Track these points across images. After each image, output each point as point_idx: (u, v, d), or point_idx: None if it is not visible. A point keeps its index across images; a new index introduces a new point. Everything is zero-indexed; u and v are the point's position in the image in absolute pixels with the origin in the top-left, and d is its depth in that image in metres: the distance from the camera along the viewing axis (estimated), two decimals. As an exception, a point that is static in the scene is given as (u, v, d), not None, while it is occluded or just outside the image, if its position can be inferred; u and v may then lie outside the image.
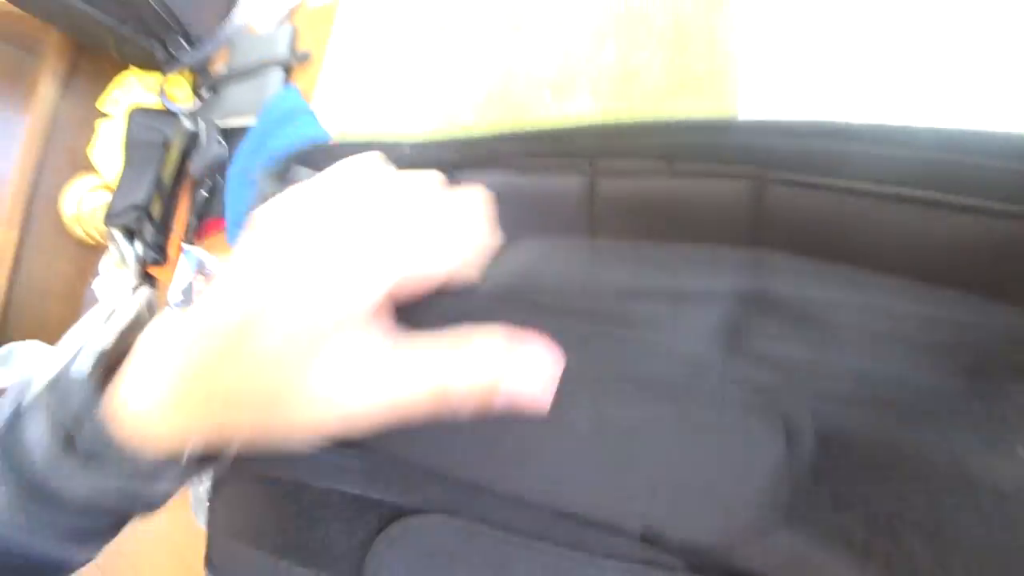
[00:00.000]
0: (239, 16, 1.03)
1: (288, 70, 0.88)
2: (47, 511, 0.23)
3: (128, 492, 0.23)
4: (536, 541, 0.20)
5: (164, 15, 1.03)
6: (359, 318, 0.19)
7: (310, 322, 0.19)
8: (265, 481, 0.25)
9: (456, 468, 0.21)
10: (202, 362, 0.20)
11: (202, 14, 1.05)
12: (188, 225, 0.89)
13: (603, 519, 0.20)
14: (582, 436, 0.20)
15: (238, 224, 0.72)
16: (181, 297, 0.80)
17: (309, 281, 0.19)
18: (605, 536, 0.20)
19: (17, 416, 0.23)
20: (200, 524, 0.83)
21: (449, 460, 0.21)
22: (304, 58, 0.87)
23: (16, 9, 1.06)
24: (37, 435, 0.22)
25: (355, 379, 0.19)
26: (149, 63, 1.13)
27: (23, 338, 1.06)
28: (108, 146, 1.08)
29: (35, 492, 0.22)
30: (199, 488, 0.80)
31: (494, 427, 0.20)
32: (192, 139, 0.89)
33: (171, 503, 0.27)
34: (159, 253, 0.93)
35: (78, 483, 0.22)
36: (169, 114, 1.00)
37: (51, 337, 1.09)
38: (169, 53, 1.07)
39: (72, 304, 1.26)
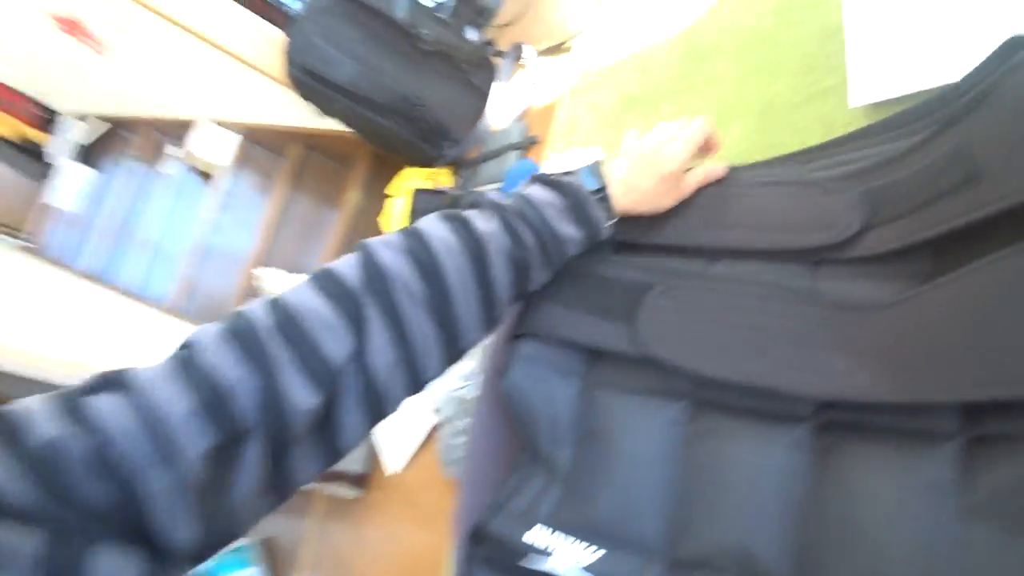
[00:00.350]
0: (486, 120, 1.47)
1: (523, 150, 1.25)
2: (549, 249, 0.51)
3: (586, 240, 0.53)
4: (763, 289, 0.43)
5: (437, 127, 1.52)
6: (684, 161, 0.55)
7: (673, 158, 0.55)
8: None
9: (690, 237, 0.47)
10: (633, 171, 0.56)
11: (461, 123, 1.52)
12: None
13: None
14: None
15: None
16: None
17: (668, 146, 0.56)
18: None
19: (523, 191, 0.54)
20: (448, 475, 1.07)
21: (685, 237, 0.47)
22: (534, 141, 1.24)
23: (338, 132, 1.62)
24: (547, 198, 0.52)
25: (684, 182, 0.56)
26: (423, 160, 1.63)
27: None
28: (394, 217, 1.55)
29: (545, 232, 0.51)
30: (451, 441, 1.06)
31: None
32: (456, 202, 1.29)
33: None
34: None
35: (570, 228, 0.52)
36: (440, 192, 1.44)
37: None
38: (438, 152, 1.55)
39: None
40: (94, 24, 1.82)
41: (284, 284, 1.67)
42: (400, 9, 1.49)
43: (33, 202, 2.78)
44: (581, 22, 1.26)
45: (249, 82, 1.71)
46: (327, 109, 1.53)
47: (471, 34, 2.03)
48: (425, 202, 1.44)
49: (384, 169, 1.85)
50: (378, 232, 1.67)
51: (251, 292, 1.82)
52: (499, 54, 1.61)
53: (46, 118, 2.89)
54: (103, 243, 2.41)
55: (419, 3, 1.51)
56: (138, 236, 2.35)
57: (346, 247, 1.82)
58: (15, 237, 2.76)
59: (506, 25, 1.78)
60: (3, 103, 2.75)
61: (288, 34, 1.43)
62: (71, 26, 1.88)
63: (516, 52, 1.51)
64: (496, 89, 1.50)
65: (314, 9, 1.43)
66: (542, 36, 1.50)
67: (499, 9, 1.95)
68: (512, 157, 1.24)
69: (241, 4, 1.64)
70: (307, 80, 1.45)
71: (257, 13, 1.65)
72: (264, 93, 1.73)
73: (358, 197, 1.85)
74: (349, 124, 1.57)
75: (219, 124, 2.23)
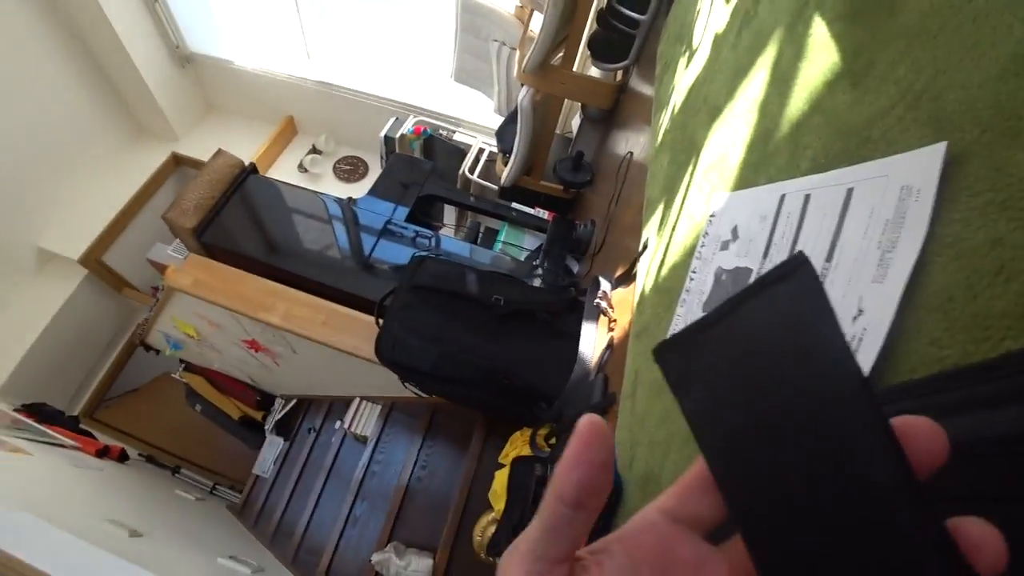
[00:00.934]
0: (581, 367, 1.34)
1: (603, 410, 1.06)
2: None
3: None
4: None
5: (526, 389, 1.43)
6: None
7: None
8: None
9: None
10: None
11: (552, 378, 1.41)
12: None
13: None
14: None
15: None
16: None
17: None
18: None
19: None
20: None
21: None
22: (612, 400, 1.05)
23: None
24: None
25: None
26: (526, 422, 1.53)
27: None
28: (498, 489, 1.41)
29: None
30: None
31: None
32: (543, 481, 1.11)
33: None
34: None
35: None
36: (533, 459, 1.28)
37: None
38: (535, 413, 1.44)
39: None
40: (266, 344, 2.32)
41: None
42: (472, 284, 1.55)
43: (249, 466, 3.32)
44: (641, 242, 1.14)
45: (368, 370, 1.88)
46: (425, 389, 1.56)
47: (573, 267, 2.06)
48: (521, 476, 1.28)
49: (499, 427, 1.80)
50: (487, 501, 1.59)
51: None
52: (582, 291, 1.55)
53: (260, 399, 3.61)
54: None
55: (492, 272, 1.57)
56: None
57: (472, 508, 1.77)
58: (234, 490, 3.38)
59: (599, 250, 1.76)
60: (235, 392, 3.51)
61: (378, 336, 1.55)
62: (255, 345, 2.42)
63: (596, 287, 1.42)
64: (586, 333, 1.39)
65: (396, 307, 1.55)
66: (620, 263, 1.40)
67: (592, 236, 1.97)
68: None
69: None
70: (400, 371, 1.53)
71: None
72: (381, 376, 1.87)
73: (478, 448, 1.78)
74: (446, 397, 1.57)
75: (367, 399, 2.48)
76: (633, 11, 1.82)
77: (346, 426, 2.49)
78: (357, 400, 2.53)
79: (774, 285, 0.17)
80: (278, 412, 3.34)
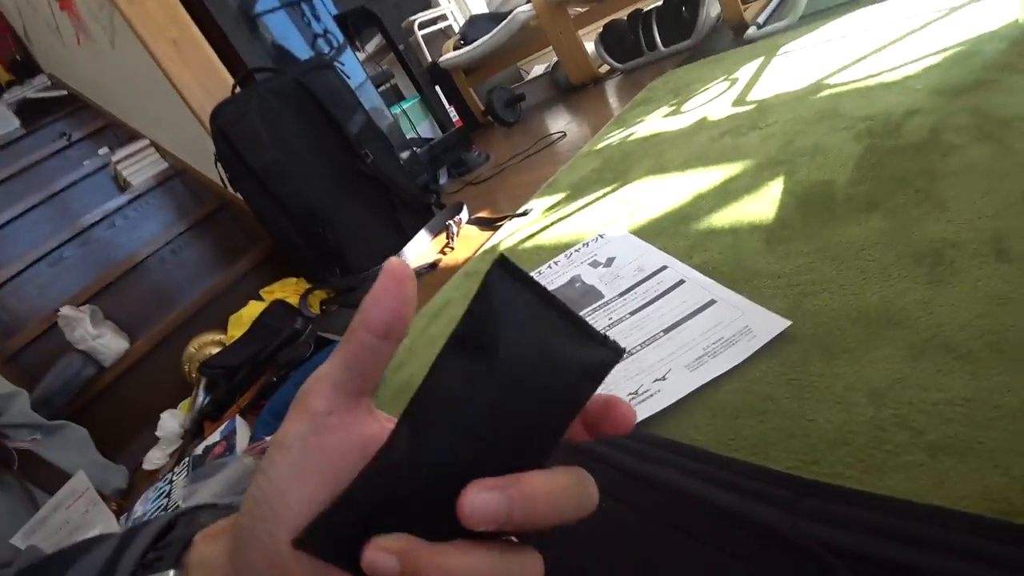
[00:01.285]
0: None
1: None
2: None
3: None
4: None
5: (335, 251, 1.37)
6: None
7: None
8: None
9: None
10: None
11: (359, 257, 1.38)
12: (250, 400, 1.02)
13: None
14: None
15: (272, 415, 0.81)
16: (200, 452, 0.88)
17: None
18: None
19: None
20: None
21: None
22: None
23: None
24: None
25: None
26: (309, 276, 1.46)
27: (88, 424, 1.20)
28: (244, 318, 1.34)
29: None
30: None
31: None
32: (295, 336, 1.08)
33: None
34: (217, 411, 1.05)
35: None
36: (297, 312, 1.24)
37: (103, 436, 1.23)
38: (325, 275, 1.39)
39: (141, 421, 1.42)
40: (83, 11, 1.80)
41: (86, 334, 1.37)
42: (355, 125, 1.42)
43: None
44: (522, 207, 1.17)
45: (184, 121, 1.59)
46: (233, 182, 1.38)
47: (441, 178, 2.03)
48: (274, 316, 1.23)
49: (278, 263, 1.69)
50: (225, 320, 1.50)
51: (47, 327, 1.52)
52: (440, 205, 1.54)
53: (20, 61, 2.81)
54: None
55: (376, 127, 1.45)
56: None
57: (203, 311, 1.63)
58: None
59: (477, 183, 1.76)
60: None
61: (226, 100, 1.33)
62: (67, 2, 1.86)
63: (455, 210, 1.42)
64: (420, 238, 1.38)
65: (266, 89, 1.35)
66: (487, 207, 1.42)
67: (478, 167, 1.97)
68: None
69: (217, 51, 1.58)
70: (223, 146, 1.33)
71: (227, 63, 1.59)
72: (195, 137, 1.60)
73: (244, 268, 1.65)
74: (249, 205, 1.42)
75: (158, 149, 2.10)
76: (663, 36, 1.86)
77: (114, 159, 2.07)
78: (145, 142, 2.12)
79: (593, 344, 0.19)
80: (34, 90, 2.62)
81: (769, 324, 0.50)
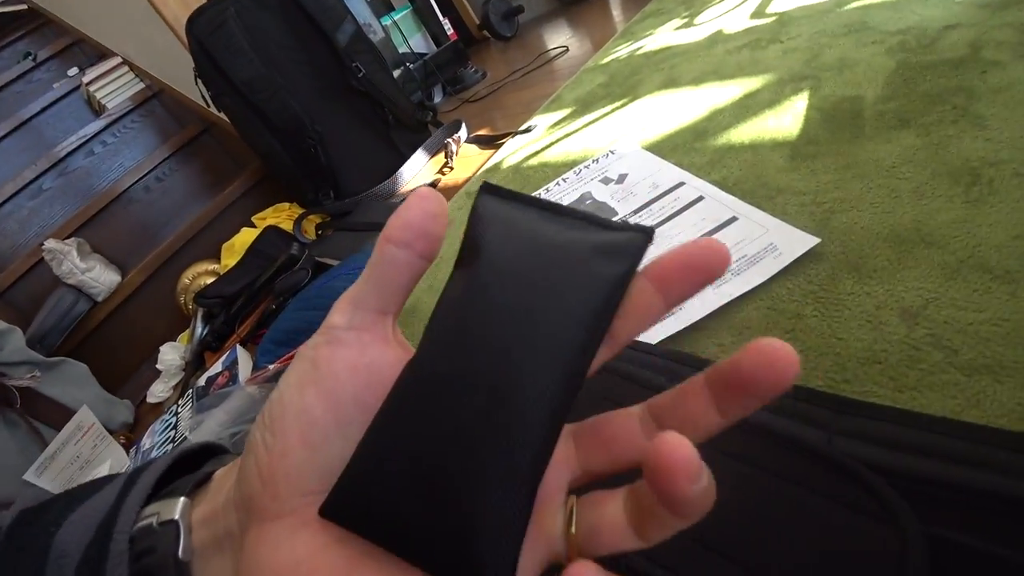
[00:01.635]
0: (391, 186, 1.27)
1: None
2: None
3: None
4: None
5: (327, 171, 1.31)
6: None
7: None
8: None
9: None
10: None
11: (353, 179, 1.32)
12: (250, 329, 1.00)
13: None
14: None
15: (272, 342, 0.80)
16: (203, 383, 0.87)
17: None
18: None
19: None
20: None
21: None
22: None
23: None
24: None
25: None
26: (302, 199, 1.41)
27: (88, 361, 1.18)
28: (237, 246, 1.30)
29: None
30: None
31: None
32: (292, 262, 1.05)
33: None
34: (216, 341, 1.04)
35: None
36: (291, 237, 1.20)
37: (104, 372, 1.22)
38: (318, 197, 1.34)
39: (141, 355, 1.41)
40: None
41: (75, 268, 1.33)
42: (344, 34, 1.32)
43: None
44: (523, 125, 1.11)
45: (158, 34, 1.47)
46: (216, 99, 1.29)
47: (437, 97, 1.93)
48: (269, 243, 1.19)
49: (269, 188, 1.63)
50: (217, 249, 1.46)
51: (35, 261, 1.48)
52: (436, 123, 1.46)
53: None
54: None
55: (366, 38, 1.35)
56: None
57: (196, 239, 1.58)
58: None
59: (474, 100, 1.67)
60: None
61: (202, 7, 1.22)
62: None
63: (453, 128, 1.35)
64: (416, 158, 1.32)
65: (245, -7, 1.23)
66: (485, 125, 1.35)
67: (475, 84, 1.86)
68: (375, 240, 1.02)
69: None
70: (202, 59, 1.23)
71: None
72: (171, 52, 1.49)
73: (235, 193, 1.59)
74: (234, 124, 1.34)
75: (131, 67, 1.97)
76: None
77: (85, 80, 1.93)
78: (118, 61, 1.97)
79: (610, 230, 0.18)
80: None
81: (796, 241, 0.48)
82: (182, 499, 0.21)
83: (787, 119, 0.67)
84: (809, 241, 0.47)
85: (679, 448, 0.14)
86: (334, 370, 0.18)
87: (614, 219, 0.20)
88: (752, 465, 0.32)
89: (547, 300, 0.17)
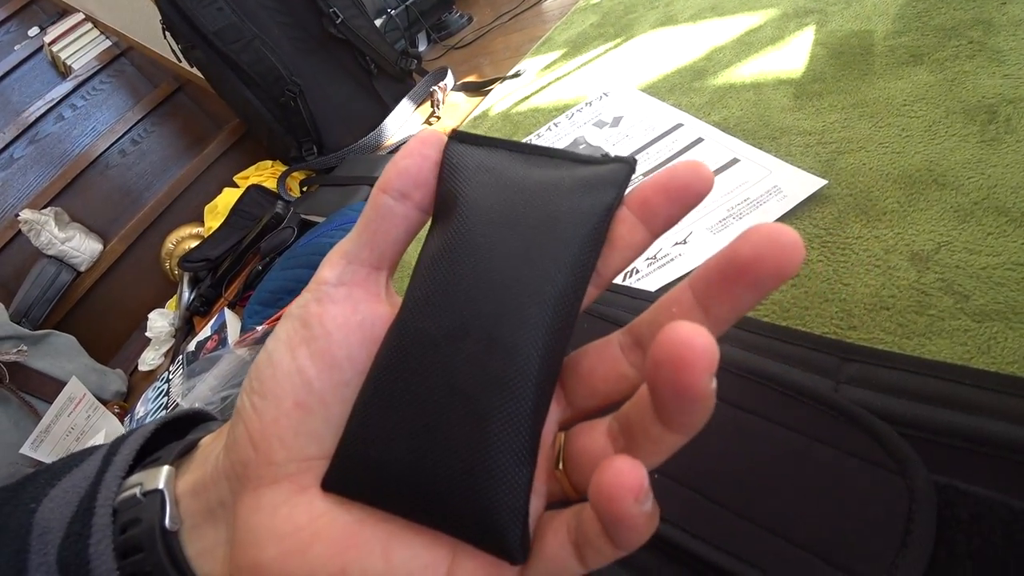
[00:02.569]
0: (375, 139, 1.22)
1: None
2: None
3: None
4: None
5: (309, 126, 1.26)
6: None
7: None
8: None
9: None
10: None
11: (337, 133, 1.27)
12: (237, 291, 0.98)
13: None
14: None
15: (259, 303, 0.78)
16: (193, 348, 0.86)
17: None
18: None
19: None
20: None
21: None
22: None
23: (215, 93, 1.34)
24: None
25: None
26: (284, 157, 1.36)
27: (75, 332, 1.16)
28: (220, 208, 1.26)
29: None
30: None
31: None
32: (277, 221, 1.02)
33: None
34: (204, 305, 1.02)
35: None
36: (275, 196, 1.16)
37: (93, 343, 1.20)
38: (301, 153, 1.29)
39: (130, 324, 1.39)
40: None
41: (55, 238, 1.29)
42: (318, -21, 1.24)
43: None
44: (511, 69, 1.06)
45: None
46: (186, 52, 1.22)
47: (421, 44, 1.84)
48: (252, 203, 1.16)
49: (249, 146, 1.57)
50: (200, 211, 1.42)
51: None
52: (421, 71, 1.40)
53: None
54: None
55: (343, -18, 1.27)
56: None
57: (175, 203, 1.53)
58: None
59: (460, 47, 1.59)
60: None
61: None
62: None
63: (439, 76, 1.29)
64: (402, 109, 1.26)
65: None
66: (473, 72, 1.29)
67: (460, 30, 1.77)
68: (363, 192, 0.99)
69: None
70: (169, 10, 1.16)
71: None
72: (135, 4, 1.40)
73: (214, 153, 1.53)
74: (208, 79, 1.27)
75: (95, 24, 1.86)
76: None
77: (47, 40, 1.82)
78: (80, 17, 1.86)
79: (589, 165, 0.17)
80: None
81: (801, 183, 0.45)
82: (166, 468, 0.20)
83: (791, 56, 0.63)
84: (815, 183, 0.45)
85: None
86: (326, 329, 0.17)
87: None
88: (755, 414, 0.31)
89: (529, 242, 0.16)
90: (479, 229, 0.16)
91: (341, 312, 0.17)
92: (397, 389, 0.16)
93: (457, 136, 0.18)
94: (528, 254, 0.16)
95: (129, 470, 0.21)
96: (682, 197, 0.16)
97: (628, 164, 0.17)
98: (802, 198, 0.45)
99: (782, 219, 0.45)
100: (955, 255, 0.38)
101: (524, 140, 0.75)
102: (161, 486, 0.19)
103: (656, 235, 0.17)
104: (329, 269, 0.18)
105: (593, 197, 0.16)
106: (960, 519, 0.26)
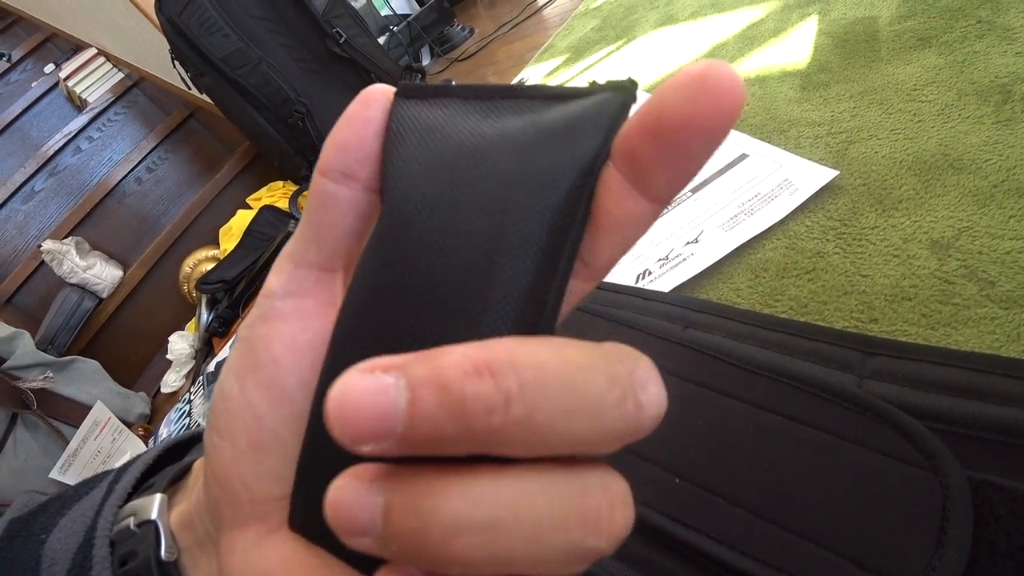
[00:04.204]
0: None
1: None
2: None
3: None
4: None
5: (318, 144, 1.27)
6: None
7: None
8: None
9: None
10: None
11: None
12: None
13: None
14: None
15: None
16: (212, 369, 0.87)
17: None
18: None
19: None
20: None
21: None
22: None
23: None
24: None
25: None
26: (295, 176, 1.38)
27: (99, 358, 1.18)
28: (234, 229, 1.28)
29: None
30: None
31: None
32: (288, 239, 1.03)
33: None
34: (223, 326, 1.03)
35: None
36: (287, 215, 1.18)
37: (117, 367, 1.22)
38: (311, 172, 1.31)
39: (152, 347, 1.42)
40: None
41: (75, 266, 1.32)
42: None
43: None
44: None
45: (129, 18, 1.42)
46: (196, 79, 1.25)
47: (424, 59, 1.86)
48: (266, 223, 1.17)
49: (260, 167, 1.59)
50: (215, 234, 1.44)
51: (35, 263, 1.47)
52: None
53: None
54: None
55: (344, 1, 1.29)
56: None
57: (192, 226, 1.56)
58: None
59: (463, 59, 1.61)
60: None
61: (170, -21, 1.16)
62: None
63: (443, 93, 1.30)
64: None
65: (213, -38, 1.17)
66: (477, 82, 1.30)
67: (463, 42, 1.79)
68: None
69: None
70: (177, 40, 1.18)
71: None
72: (145, 36, 1.44)
73: (227, 176, 1.56)
74: (217, 104, 1.30)
75: (108, 57, 1.91)
76: None
77: (62, 76, 1.88)
78: (93, 52, 1.91)
79: (570, 100, 0.13)
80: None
81: (812, 175, 0.45)
82: (158, 496, 0.19)
83: (795, 48, 0.63)
84: (826, 174, 0.44)
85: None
86: (273, 354, 0.15)
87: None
88: (777, 414, 0.30)
89: (477, 230, 0.12)
90: (411, 219, 0.12)
91: (289, 331, 0.15)
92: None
93: (403, 91, 0.14)
94: (470, 249, 0.12)
95: (128, 498, 0.20)
96: (685, 143, 0.11)
97: (622, 91, 0.12)
98: (814, 190, 0.44)
99: (795, 212, 0.44)
100: (977, 240, 0.37)
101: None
102: (154, 516, 0.18)
103: (661, 202, 0.12)
104: (275, 276, 0.15)
105: (564, 151, 0.12)
106: (998, 516, 0.25)
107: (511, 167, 0.12)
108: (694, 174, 0.11)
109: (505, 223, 0.12)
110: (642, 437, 0.10)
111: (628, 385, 0.10)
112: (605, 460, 0.11)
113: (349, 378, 0.10)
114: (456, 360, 0.09)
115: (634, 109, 0.12)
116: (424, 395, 0.09)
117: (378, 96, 0.14)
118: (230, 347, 0.85)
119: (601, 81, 0.13)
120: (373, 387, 0.09)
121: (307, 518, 0.14)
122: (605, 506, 0.10)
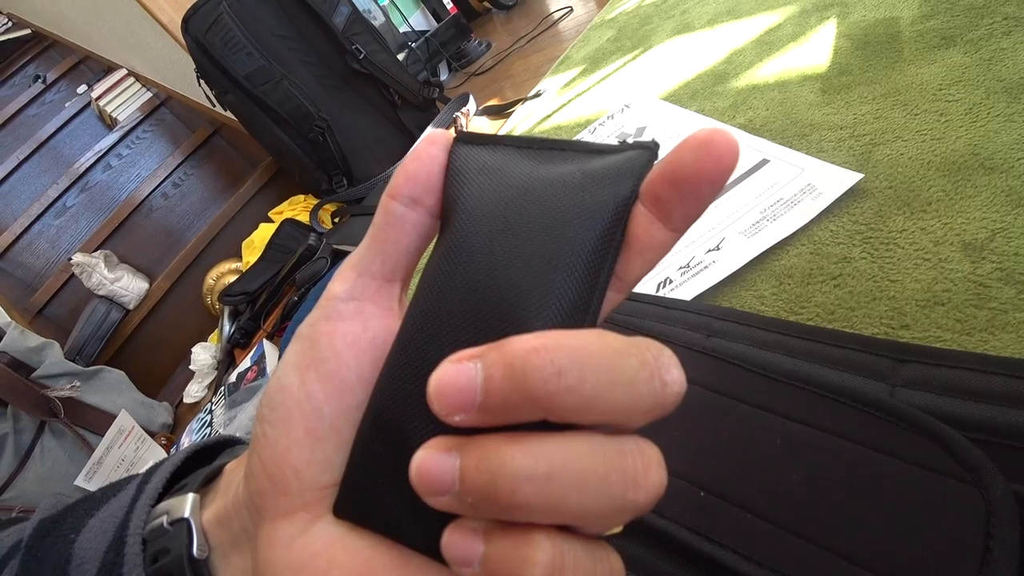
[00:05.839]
0: (392, 170, 1.25)
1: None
2: None
3: None
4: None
5: (338, 159, 1.29)
6: None
7: None
8: None
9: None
10: None
11: (365, 165, 1.30)
12: (275, 322, 1.00)
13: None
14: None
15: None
16: (234, 379, 0.88)
17: None
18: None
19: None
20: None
21: None
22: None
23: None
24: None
25: None
26: (316, 190, 1.40)
27: (125, 368, 1.21)
28: (256, 243, 1.30)
29: None
30: None
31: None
32: (310, 252, 1.04)
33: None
34: (244, 337, 1.04)
35: None
36: (308, 228, 1.19)
37: (142, 377, 1.24)
38: (332, 186, 1.32)
39: (175, 358, 1.44)
40: None
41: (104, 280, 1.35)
42: (340, 16, 1.28)
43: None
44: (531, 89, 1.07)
45: (157, 40, 1.47)
46: (220, 97, 1.28)
47: (442, 74, 1.88)
48: (287, 236, 1.19)
49: (282, 181, 1.62)
50: (238, 247, 1.47)
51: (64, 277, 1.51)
52: (443, 99, 1.42)
53: None
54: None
55: (363, 19, 1.31)
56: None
57: (216, 239, 1.59)
58: None
59: (480, 73, 1.62)
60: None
61: (195, 5, 1.19)
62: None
63: (461, 102, 1.31)
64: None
65: (237, -15, 1.20)
66: (494, 96, 1.31)
67: (480, 56, 1.81)
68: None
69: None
70: (202, 59, 1.22)
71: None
72: (172, 56, 1.48)
73: (250, 191, 1.59)
74: (241, 121, 1.33)
75: (137, 78, 1.97)
76: None
77: (94, 96, 1.95)
78: (123, 73, 1.98)
79: (606, 155, 0.16)
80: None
81: (836, 179, 0.44)
82: (191, 495, 0.19)
83: (814, 51, 0.62)
84: (851, 178, 0.43)
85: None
86: (335, 349, 0.16)
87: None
88: (806, 424, 0.29)
89: (533, 249, 0.15)
90: (477, 239, 0.15)
91: (351, 330, 0.16)
92: (397, 416, 0.15)
93: (462, 137, 0.17)
94: (531, 264, 0.14)
95: (159, 498, 0.21)
96: (695, 190, 0.14)
97: (648, 150, 0.15)
98: (838, 194, 0.43)
99: (819, 217, 0.43)
100: (1012, 242, 0.35)
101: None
102: (187, 514, 0.19)
103: (679, 232, 0.15)
104: (340, 283, 0.17)
105: (605, 192, 0.15)
106: (1047, 531, 0.24)
107: (567, 202, 0.15)
108: (704, 209, 0.15)
109: (560, 244, 0.15)
110: (667, 414, 0.12)
111: (655, 367, 0.12)
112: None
113: (444, 367, 0.12)
114: (519, 344, 0.12)
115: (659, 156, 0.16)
116: (494, 372, 0.12)
117: (441, 139, 0.17)
118: (284, 346, 0.85)
119: (630, 134, 0.15)
120: (459, 372, 0.12)
121: (359, 503, 0.16)
122: (641, 465, 0.12)
